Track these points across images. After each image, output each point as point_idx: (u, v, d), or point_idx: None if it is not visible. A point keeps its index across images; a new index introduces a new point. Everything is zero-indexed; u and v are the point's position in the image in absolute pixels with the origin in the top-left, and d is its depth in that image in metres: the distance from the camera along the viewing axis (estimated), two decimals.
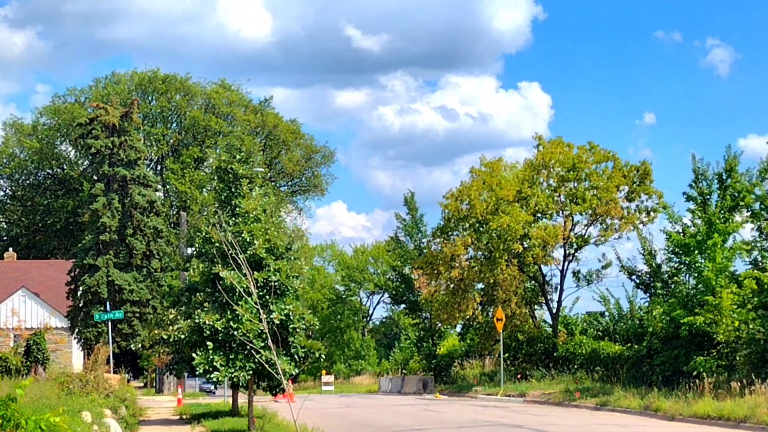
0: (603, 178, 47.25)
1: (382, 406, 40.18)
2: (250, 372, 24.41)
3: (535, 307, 51.52)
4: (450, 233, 49.54)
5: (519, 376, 47.14)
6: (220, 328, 23.80)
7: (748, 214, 36.02)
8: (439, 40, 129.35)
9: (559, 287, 49.79)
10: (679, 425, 28.16)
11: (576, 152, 48.21)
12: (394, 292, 66.78)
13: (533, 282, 50.62)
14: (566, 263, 49.24)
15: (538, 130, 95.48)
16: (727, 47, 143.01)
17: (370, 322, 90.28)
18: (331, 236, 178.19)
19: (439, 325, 57.55)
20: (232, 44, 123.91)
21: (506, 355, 47.93)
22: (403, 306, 68.80)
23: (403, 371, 62.49)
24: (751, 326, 32.35)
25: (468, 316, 49.53)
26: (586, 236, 48.59)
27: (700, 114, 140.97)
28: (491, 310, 48.34)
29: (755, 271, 34.17)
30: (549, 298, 50.35)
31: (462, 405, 39.93)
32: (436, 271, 48.77)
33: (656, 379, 36.02)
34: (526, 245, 46.93)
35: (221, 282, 22.85)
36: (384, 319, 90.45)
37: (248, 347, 23.03)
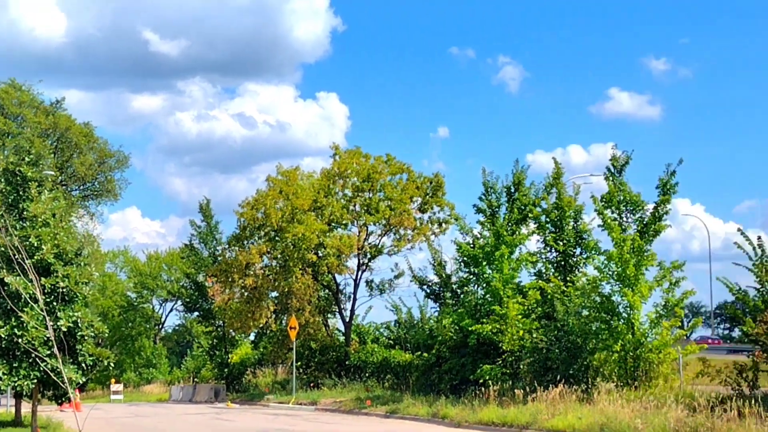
0: (397, 190, 48.07)
1: (172, 416, 39.71)
2: (35, 381, 23.74)
3: (329, 315, 51.89)
4: (245, 241, 49.35)
5: (312, 384, 47.35)
6: (3, 336, 23.06)
7: (534, 226, 37.33)
8: (238, 48, 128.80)
9: (352, 296, 50.38)
10: None
11: (372, 163, 48.86)
12: (187, 300, 65.89)
13: (327, 291, 50.98)
14: (360, 273, 49.87)
15: (335, 140, 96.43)
16: (518, 65, 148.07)
17: (163, 329, 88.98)
18: (125, 242, 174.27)
19: (233, 333, 57.22)
20: (24, 43, 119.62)
21: (299, 363, 48.10)
22: (196, 314, 67.95)
23: (195, 380, 61.86)
24: (534, 335, 33.50)
25: (262, 325, 49.48)
26: (379, 246, 49.33)
27: (491, 129, 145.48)
28: (285, 318, 48.44)
29: (539, 282, 35.48)
30: (342, 306, 50.83)
31: (254, 413, 39.86)
32: (230, 279, 48.49)
33: (444, 387, 36.86)
34: (320, 254, 47.23)
35: (5, 288, 22.15)
36: (177, 327, 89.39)
37: (33, 355, 22.40)
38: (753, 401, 23.09)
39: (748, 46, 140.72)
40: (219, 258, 55.00)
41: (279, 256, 47.55)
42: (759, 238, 29.19)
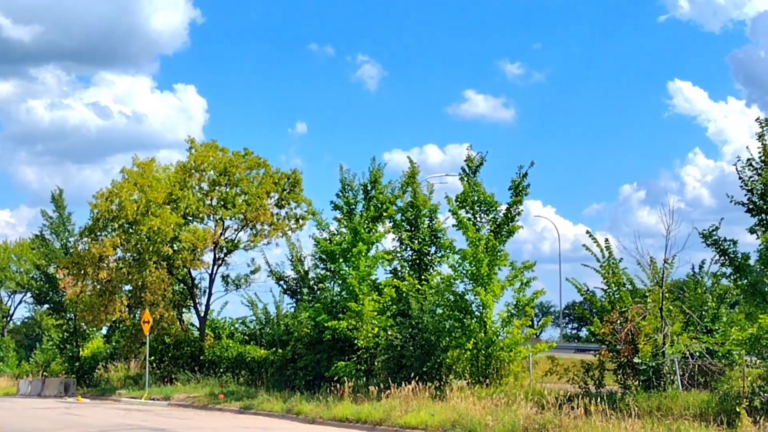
0: (254, 185, 47.95)
1: (19, 410, 38.83)
2: None
3: (184, 310, 51.45)
4: (99, 233, 48.47)
5: (165, 379, 46.88)
6: None
7: (390, 224, 37.84)
8: (93, 36, 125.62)
9: (208, 291, 50.07)
10: (319, 428, 29.16)
11: (230, 157, 48.60)
12: (37, 292, 64.40)
13: (182, 285, 50.54)
14: (216, 267, 49.62)
15: (193, 133, 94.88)
16: (376, 64, 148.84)
17: (11, 322, 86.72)
18: None
19: (85, 326, 56.17)
20: None
21: (152, 358, 47.56)
22: (46, 306, 66.52)
23: (45, 374, 60.44)
24: (389, 333, 33.97)
25: (115, 318, 48.73)
26: (236, 241, 49.15)
27: (349, 127, 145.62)
28: (139, 312, 47.80)
29: (395, 280, 35.97)
30: (198, 301, 50.48)
31: (105, 408, 39.32)
32: (83, 272, 47.56)
33: (300, 383, 37.05)
34: (176, 248, 46.75)
35: None
36: (26, 320, 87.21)
37: None
38: (599, 399, 23.94)
39: (598, 52, 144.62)
40: (71, 250, 53.89)
41: (133, 248, 46.87)
42: (606, 240, 30.18)
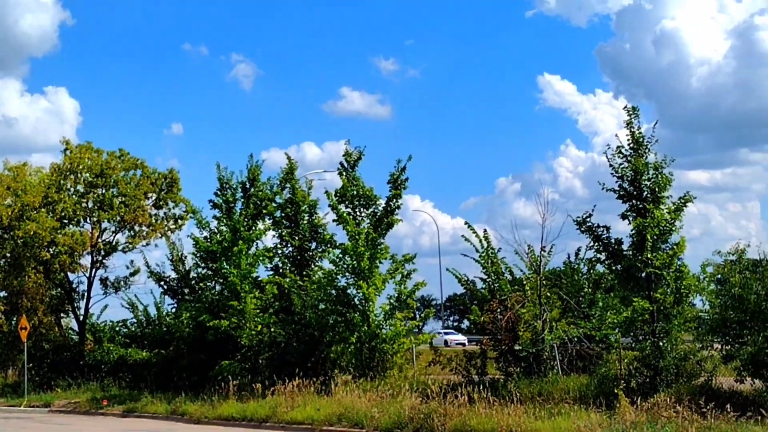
0: (131, 186, 47.27)
1: None
2: None
3: (62, 315, 50.50)
4: None
5: (45, 386, 45.91)
6: None
7: (270, 221, 37.77)
8: None
9: (86, 295, 49.20)
10: (205, 428, 29.05)
11: (105, 158, 47.80)
12: None
13: (60, 290, 49.56)
14: (94, 270, 48.75)
15: (66, 136, 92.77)
16: (251, 63, 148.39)
17: None
18: None
19: None
20: None
21: (31, 365, 46.55)
22: None
23: None
24: (273, 329, 33.98)
25: None
26: (114, 243, 48.39)
27: (226, 126, 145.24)
28: (15, 318, 46.77)
29: (276, 277, 35.94)
30: (76, 305, 49.56)
31: None
32: None
33: (184, 384, 36.70)
34: (53, 252, 45.87)
35: None
36: None
37: None
38: (482, 387, 24.34)
39: (469, 48, 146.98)
40: None
41: (9, 254, 45.82)
42: (485, 231, 30.71)
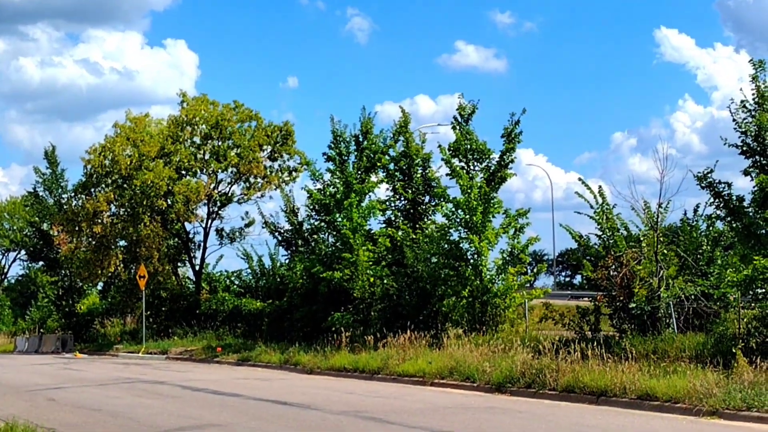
0: (246, 137, 47.82)
1: (18, 366, 39.00)
2: None
3: (179, 264, 51.52)
4: (93, 189, 48.43)
5: (162, 333, 46.99)
6: None
7: (383, 174, 37.78)
8: None
9: (202, 245, 50.16)
10: (317, 378, 29.31)
11: (221, 110, 48.43)
12: (32, 249, 64.40)
13: (177, 239, 50.54)
14: (210, 221, 49.62)
15: (185, 88, 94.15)
16: (366, 17, 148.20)
17: (5, 280, 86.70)
18: None
19: (80, 282, 56.27)
20: None
21: (149, 312, 47.69)
22: (41, 263, 66.54)
23: (41, 330, 60.62)
24: (385, 282, 34.07)
25: (110, 274, 48.82)
26: (229, 194, 49.15)
27: (340, 80, 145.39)
28: (134, 267, 47.85)
29: (389, 230, 35.99)
30: (193, 255, 50.56)
31: (103, 363, 39.48)
32: (77, 228, 47.61)
33: (297, 335, 37.12)
34: (170, 202, 46.72)
35: None
36: (20, 277, 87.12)
37: None
38: (595, 344, 24.02)
39: (586, 0, 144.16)
40: (65, 206, 53.83)
41: (127, 203, 46.82)
42: (600, 187, 30.14)
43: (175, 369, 34.55)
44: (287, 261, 43.60)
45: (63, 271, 57.85)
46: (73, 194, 51.80)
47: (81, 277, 50.34)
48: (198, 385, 26.76)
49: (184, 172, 47.87)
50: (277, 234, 44.57)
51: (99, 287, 58.30)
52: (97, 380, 29.86)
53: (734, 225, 25.50)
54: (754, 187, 24.49)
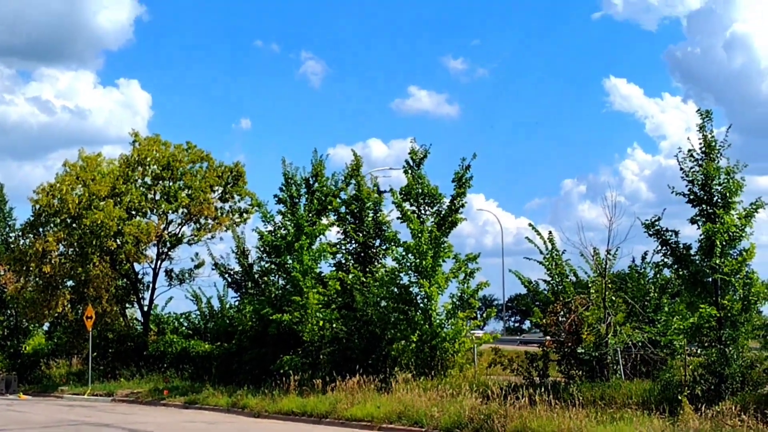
0: (198, 178, 47.70)
1: None
2: None
3: (127, 305, 51.05)
4: (41, 228, 47.91)
5: (109, 375, 46.45)
6: None
7: (334, 217, 37.82)
8: (39, 32, 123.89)
9: (151, 286, 49.74)
10: (264, 422, 29.13)
11: (172, 151, 48.28)
12: None
13: (125, 280, 50.11)
14: (159, 262, 49.26)
15: (137, 128, 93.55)
16: (320, 60, 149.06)
17: None
18: None
19: (26, 323, 55.52)
20: None
21: (95, 354, 47.14)
22: None
23: None
24: (334, 325, 34.01)
25: (57, 314, 48.25)
26: (180, 235, 48.85)
27: (293, 123, 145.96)
28: (82, 307, 47.34)
29: (339, 273, 35.96)
30: (141, 296, 50.11)
31: (47, 404, 38.88)
32: (25, 268, 47.04)
33: (245, 378, 36.87)
34: (119, 242, 46.37)
35: None
36: None
37: None
38: (543, 389, 24.12)
39: (536, 49, 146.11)
40: (12, 245, 53.18)
41: (76, 243, 46.38)
42: (550, 233, 30.43)
43: (120, 411, 34.15)
44: (237, 303, 43.40)
45: (8, 311, 57.04)
46: (20, 233, 51.19)
47: (27, 317, 49.68)
48: (143, 428, 26.48)
49: (134, 212, 47.54)
50: (227, 276, 44.37)
51: (45, 328, 57.53)
52: (41, 422, 29.45)
53: (681, 273, 25.75)
54: (700, 235, 24.77)
